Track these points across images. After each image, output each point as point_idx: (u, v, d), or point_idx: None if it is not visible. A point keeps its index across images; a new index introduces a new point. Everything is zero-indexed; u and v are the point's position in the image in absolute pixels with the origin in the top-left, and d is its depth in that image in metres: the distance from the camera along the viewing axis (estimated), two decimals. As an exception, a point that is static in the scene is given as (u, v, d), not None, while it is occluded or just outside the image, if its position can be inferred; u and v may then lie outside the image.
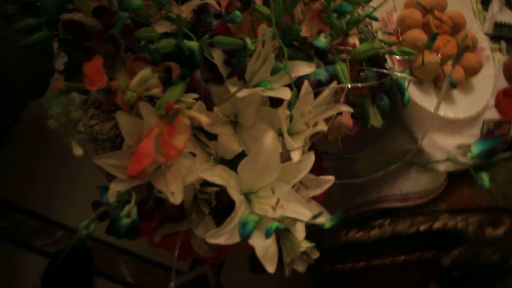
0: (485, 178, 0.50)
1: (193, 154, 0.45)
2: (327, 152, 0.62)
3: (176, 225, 0.48)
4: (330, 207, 0.54)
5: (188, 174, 0.42)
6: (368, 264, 0.54)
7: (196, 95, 0.45)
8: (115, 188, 0.42)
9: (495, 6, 0.78)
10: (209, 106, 0.45)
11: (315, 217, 0.39)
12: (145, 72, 0.42)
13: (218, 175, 0.41)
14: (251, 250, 0.46)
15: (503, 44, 0.78)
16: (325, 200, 0.59)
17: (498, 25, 0.77)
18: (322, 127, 0.48)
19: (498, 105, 0.71)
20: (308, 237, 0.48)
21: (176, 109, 0.37)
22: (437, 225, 0.47)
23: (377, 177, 0.67)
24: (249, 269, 0.97)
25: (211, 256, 0.62)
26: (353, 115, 0.59)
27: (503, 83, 0.75)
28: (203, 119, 0.37)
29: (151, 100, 0.46)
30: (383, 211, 0.68)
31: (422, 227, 0.49)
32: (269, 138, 0.42)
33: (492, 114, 0.71)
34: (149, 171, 0.43)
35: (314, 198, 0.53)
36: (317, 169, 0.54)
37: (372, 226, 0.59)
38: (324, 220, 0.39)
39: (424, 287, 0.40)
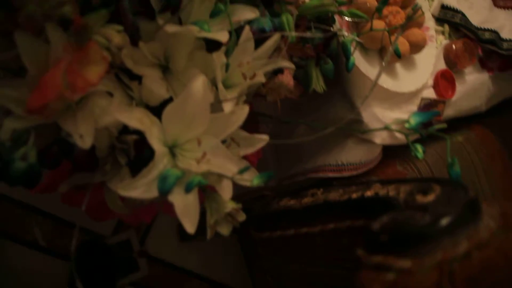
0: (419, 149, 0.50)
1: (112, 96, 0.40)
2: (264, 114, 0.59)
3: (87, 176, 0.42)
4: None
5: (102, 115, 0.36)
6: (297, 232, 0.52)
7: (120, 27, 0.39)
8: (10, 125, 0.35)
9: (443, -12, 0.78)
10: (135, 41, 0.39)
11: (242, 171, 0.36)
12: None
13: (137, 119, 0.36)
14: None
15: (447, 27, 0.79)
16: (259, 169, 0.56)
17: (444, 8, 0.77)
18: (260, 78, 0.45)
19: (436, 85, 0.72)
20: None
21: (84, 25, 0.31)
22: (369, 193, 0.46)
23: (314, 146, 0.66)
24: (178, 237, 0.93)
25: (130, 218, 0.57)
26: (295, 77, 0.56)
27: (442, 66, 0.76)
28: (115, 37, 0.31)
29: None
30: (317, 182, 0.67)
31: (354, 195, 0.48)
32: (199, 82, 0.37)
33: (430, 94, 0.72)
34: (57, 109, 0.37)
35: (248, 162, 0.50)
36: (252, 131, 0.51)
37: (305, 195, 0.58)
38: (252, 177, 0.36)
39: (352, 255, 0.38)
